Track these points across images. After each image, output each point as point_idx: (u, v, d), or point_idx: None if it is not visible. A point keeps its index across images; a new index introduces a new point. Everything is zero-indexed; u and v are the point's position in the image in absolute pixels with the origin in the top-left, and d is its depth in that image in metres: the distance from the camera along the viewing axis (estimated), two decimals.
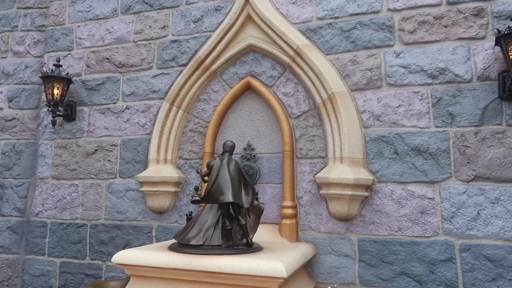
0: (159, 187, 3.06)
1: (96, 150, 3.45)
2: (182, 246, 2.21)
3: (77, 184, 3.47)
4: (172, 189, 3.06)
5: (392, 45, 2.74)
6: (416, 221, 2.55)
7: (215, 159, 2.27)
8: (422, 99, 2.64)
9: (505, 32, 2.37)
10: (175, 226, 3.10)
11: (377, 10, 2.80)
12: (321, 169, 2.79)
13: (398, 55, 2.72)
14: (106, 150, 3.42)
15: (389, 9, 2.77)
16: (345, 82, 2.81)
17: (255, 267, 1.89)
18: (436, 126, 2.59)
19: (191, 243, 2.18)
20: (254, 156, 2.95)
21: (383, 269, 2.57)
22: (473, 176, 2.48)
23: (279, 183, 2.90)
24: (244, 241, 2.21)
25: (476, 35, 2.59)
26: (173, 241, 2.57)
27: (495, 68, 2.52)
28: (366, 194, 2.61)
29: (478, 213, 2.44)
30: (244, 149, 3.02)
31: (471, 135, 2.51)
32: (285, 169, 2.80)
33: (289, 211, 2.75)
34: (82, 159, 3.48)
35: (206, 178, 2.34)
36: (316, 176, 2.74)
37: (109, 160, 3.39)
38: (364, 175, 2.60)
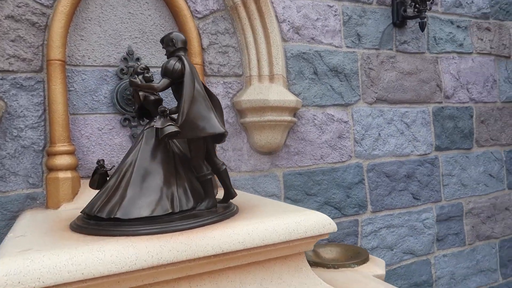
0: None
1: None
2: (123, 222, 1.17)
3: None
4: None
5: None
6: (335, 147, 2.44)
7: (180, 59, 1.29)
8: (335, 15, 2.45)
9: None
10: None
11: None
12: (238, 91, 2.17)
13: None
14: None
15: None
16: None
17: (297, 227, 1.23)
18: (347, 47, 2.49)
19: (151, 213, 1.19)
20: (146, 68, 1.93)
21: (308, 202, 2.35)
22: (375, 99, 2.58)
23: None
24: (218, 197, 1.42)
25: None
26: (52, 218, 1.36)
27: None
28: (295, 119, 2.24)
29: (379, 134, 2.59)
30: (125, 59, 1.93)
31: (374, 57, 2.58)
32: None
33: None
34: None
35: (152, 95, 1.33)
36: (239, 99, 2.10)
37: None
38: (295, 97, 2.21)
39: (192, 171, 1.34)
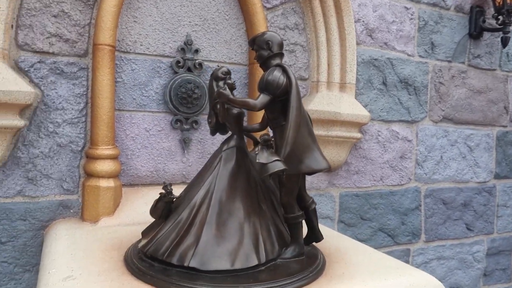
0: None
1: None
2: (199, 273, 0.92)
3: None
4: (5, 121, 1.32)
5: None
6: (396, 168, 2.19)
7: (284, 71, 1.02)
8: (411, 18, 2.18)
9: None
10: (12, 203, 1.41)
11: None
12: (302, 97, 1.90)
13: None
14: None
15: None
16: None
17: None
18: (420, 56, 2.23)
19: (231, 265, 0.93)
20: (200, 64, 1.66)
21: (362, 227, 2.12)
22: (442, 117, 2.34)
23: None
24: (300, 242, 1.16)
25: None
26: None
27: (469, 0, 2.36)
28: (360, 136, 1.98)
29: (441, 157, 2.35)
30: (182, 49, 1.65)
31: (446, 71, 2.32)
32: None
33: None
34: None
35: (235, 109, 1.07)
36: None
37: None
38: (367, 112, 1.95)
39: (275, 207, 1.09)
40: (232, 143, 1.12)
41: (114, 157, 1.47)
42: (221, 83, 1.14)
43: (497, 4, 2.25)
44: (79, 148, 1.48)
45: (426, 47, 2.25)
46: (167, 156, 1.63)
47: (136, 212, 1.45)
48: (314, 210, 1.14)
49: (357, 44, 2.02)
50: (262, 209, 1.07)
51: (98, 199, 1.43)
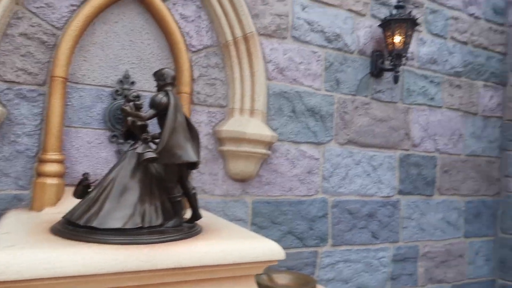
0: None
1: None
2: (97, 230, 1.45)
3: None
4: None
5: None
6: (304, 181, 2.76)
7: (167, 94, 1.59)
8: (318, 60, 2.82)
9: (388, 18, 2.86)
10: None
11: None
12: (220, 121, 2.49)
13: (304, 8, 2.76)
14: None
15: None
16: (254, 23, 2.57)
17: (249, 252, 1.54)
18: (326, 90, 2.85)
19: (123, 225, 1.47)
20: (137, 96, 2.24)
21: (273, 230, 2.66)
22: (347, 140, 2.94)
23: None
24: (185, 217, 1.71)
25: (360, 11, 2.99)
26: (42, 220, 1.63)
27: (370, 46, 3.02)
28: (269, 152, 2.56)
29: (347, 173, 2.94)
30: (121, 81, 2.23)
31: (349, 102, 2.94)
32: None
33: None
34: None
35: (139, 122, 1.62)
36: (220, 129, 2.42)
37: None
38: (272, 132, 2.53)
39: (166, 192, 1.64)
40: (136, 145, 1.67)
41: (60, 161, 2.01)
42: (131, 104, 1.71)
43: (389, 49, 2.90)
44: (33, 154, 2.03)
45: (332, 83, 2.88)
46: (104, 164, 2.18)
47: (73, 205, 1.97)
48: (194, 195, 1.68)
49: (270, 79, 2.64)
50: (153, 192, 1.61)
51: (44, 193, 1.95)
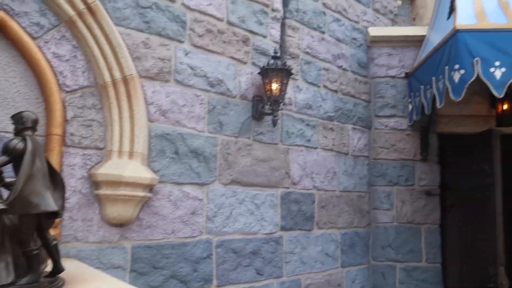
0: None
1: None
2: None
3: None
4: None
5: (183, 42, 2.86)
6: (187, 222, 2.78)
7: (24, 139, 1.51)
8: (201, 103, 2.93)
9: (266, 67, 3.13)
10: None
11: None
12: (97, 163, 2.41)
13: (187, 54, 2.88)
14: None
15: (183, 4, 2.87)
16: (136, 65, 2.60)
17: None
18: (210, 132, 2.96)
19: None
20: None
21: (154, 275, 2.59)
22: (230, 181, 3.05)
23: None
24: (46, 270, 1.60)
25: (242, 59, 3.22)
26: None
27: (251, 91, 3.25)
28: (149, 195, 2.54)
29: (231, 213, 3.03)
30: None
31: (232, 144, 3.09)
32: (52, 160, 2.18)
33: None
34: None
35: None
36: (96, 172, 2.34)
37: None
38: (152, 174, 2.53)
39: (20, 245, 1.51)
40: None
41: None
42: None
43: (268, 95, 3.14)
44: None
45: (215, 125, 2.99)
46: None
47: None
48: (55, 246, 1.58)
49: (152, 121, 2.64)
50: (4, 245, 1.47)
51: None
